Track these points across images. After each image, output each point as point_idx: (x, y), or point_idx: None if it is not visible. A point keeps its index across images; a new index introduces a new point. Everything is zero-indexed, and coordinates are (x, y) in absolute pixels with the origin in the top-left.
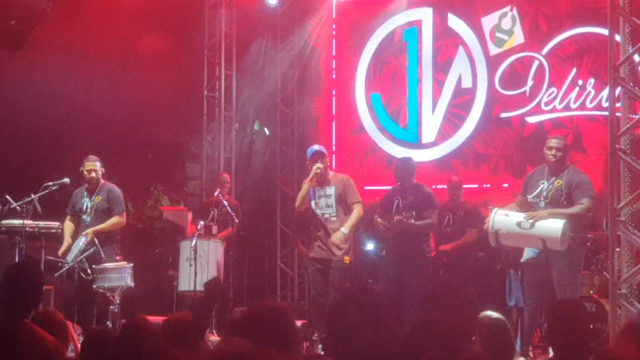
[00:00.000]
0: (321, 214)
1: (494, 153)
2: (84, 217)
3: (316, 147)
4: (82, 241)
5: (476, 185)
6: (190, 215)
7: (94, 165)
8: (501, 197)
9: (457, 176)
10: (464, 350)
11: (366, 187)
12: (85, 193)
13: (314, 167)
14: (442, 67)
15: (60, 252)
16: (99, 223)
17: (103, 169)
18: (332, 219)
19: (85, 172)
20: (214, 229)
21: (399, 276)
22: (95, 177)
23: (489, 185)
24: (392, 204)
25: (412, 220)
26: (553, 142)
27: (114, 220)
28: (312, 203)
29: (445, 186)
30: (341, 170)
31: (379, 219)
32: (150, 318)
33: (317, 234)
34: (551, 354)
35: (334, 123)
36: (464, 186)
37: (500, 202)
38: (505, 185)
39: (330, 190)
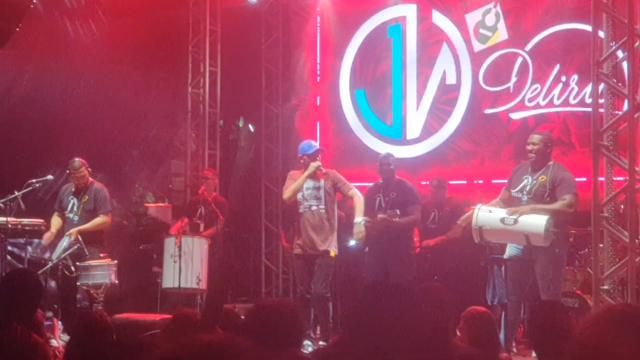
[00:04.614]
0: (309, 206)
1: (479, 150)
2: (71, 215)
3: (314, 143)
4: (66, 241)
5: (464, 182)
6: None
7: (78, 172)
8: (496, 193)
9: (437, 179)
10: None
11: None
12: (72, 191)
13: (315, 165)
14: (426, 63)
15: (44, 239)
16: (85, 222)
17: (89, 169)
18: (321, 211)
19: (72, 179)
20: (201, 227)
21: (384, 274)
22: (82, 182)
23: (481, 182)
24: (373, 202)
25: (397, 219)
26: (530, 137)
27: (99, 220)
28: (300, 195)
29: (429, 182)
30: (325, 166)
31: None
32: (136, 315)
33: (301, 229)
34: (534, 354)
35: (318, 121)
36: (451, 182)
37: (495, 197)
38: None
39: (320, 183)
